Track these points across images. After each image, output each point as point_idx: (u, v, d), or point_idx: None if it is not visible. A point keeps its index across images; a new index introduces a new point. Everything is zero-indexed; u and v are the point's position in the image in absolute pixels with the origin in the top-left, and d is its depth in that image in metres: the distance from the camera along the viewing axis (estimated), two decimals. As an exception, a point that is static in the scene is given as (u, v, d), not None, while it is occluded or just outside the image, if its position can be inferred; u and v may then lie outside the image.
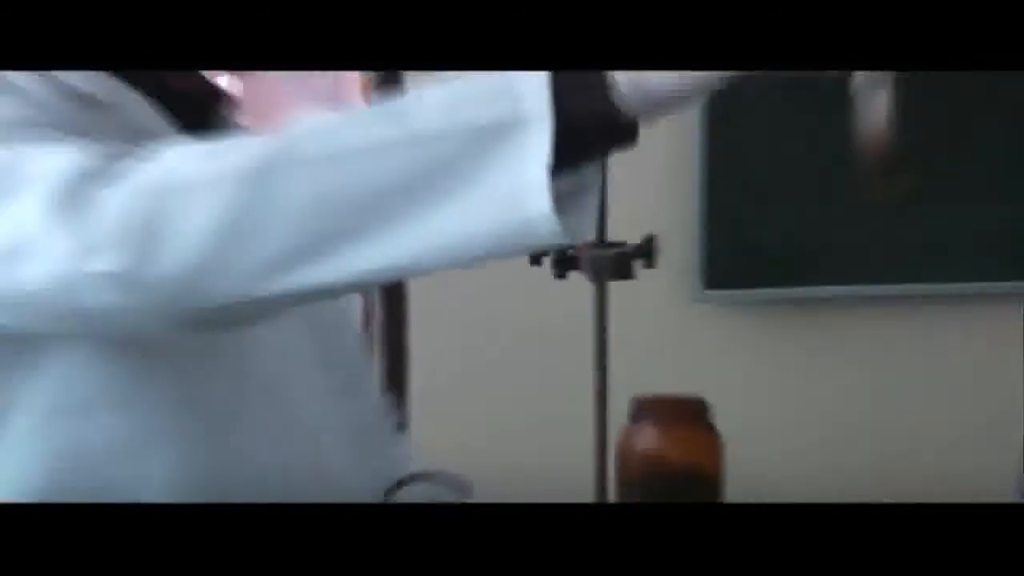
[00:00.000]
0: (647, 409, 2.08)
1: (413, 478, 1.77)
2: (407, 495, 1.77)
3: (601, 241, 2.43)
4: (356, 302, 2.05)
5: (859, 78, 1.36)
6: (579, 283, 2.50)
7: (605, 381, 2.59)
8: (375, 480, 1.75)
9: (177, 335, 1.46)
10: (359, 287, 1.64)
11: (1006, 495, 2.86)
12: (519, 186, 1.20)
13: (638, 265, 2.47)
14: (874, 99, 1.37)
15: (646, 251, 2.46)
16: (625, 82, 1.24)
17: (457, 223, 1.24)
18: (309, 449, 1.66)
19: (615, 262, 2.45)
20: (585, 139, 1.25)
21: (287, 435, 1.64)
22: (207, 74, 1.71)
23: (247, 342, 1.54)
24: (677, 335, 3.62)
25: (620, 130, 1.23)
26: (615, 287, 2.52)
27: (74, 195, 1.30)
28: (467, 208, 1.24)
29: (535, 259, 2.47)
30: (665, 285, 3.39)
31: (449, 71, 1.35)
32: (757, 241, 3.83)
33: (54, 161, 1.32)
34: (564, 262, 2.47)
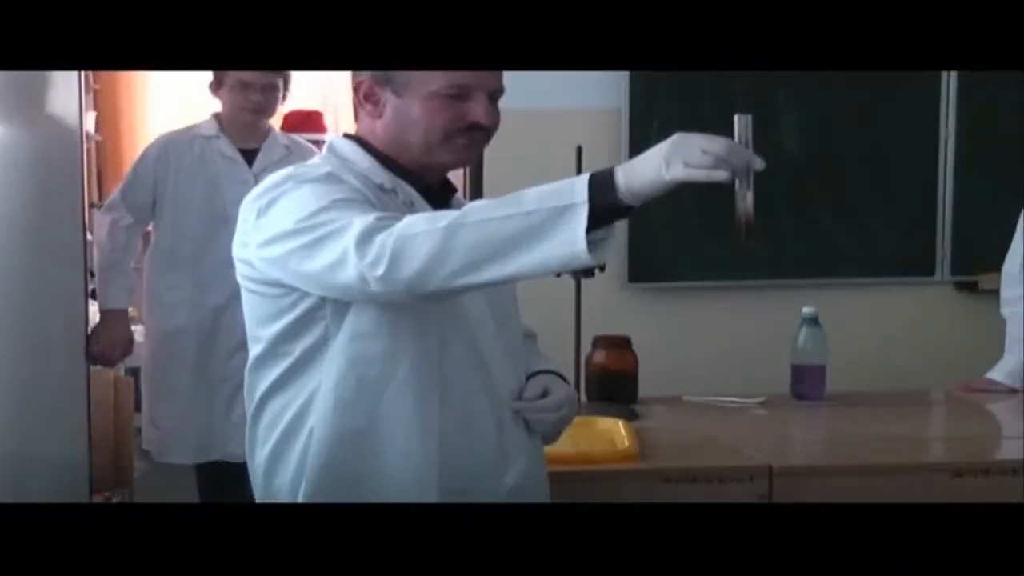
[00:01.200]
0: (600, 341, 3.47)
1: (539, 372, 2.40)
2: (534, 385, 2.35)
3: None
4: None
5: (736, 184, 1.94)
6: (566, 279, 3.42)
7: (579, 328, 3.54)
8: (520, 379, 2.37)
9: (412, 303, 2.10)
10: (497, 285, 2.08)
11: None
12: (573, 239, 1.91)
13: (597, 270, 3.11)
14: (745, 195, 1.97)
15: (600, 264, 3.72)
16: (623, 185, 1.92)
17: (542, 256, 1.93)
18: (485, 361, 2.28)
19: (585, 269, 3.00)
20: (604, 214, 1.93)
21: (475, 354, 2.27)
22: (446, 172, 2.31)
23: (454, 301, 2.19)
24: (613, 306, 4.85)
25: (621, 210, 1.94)
26: (585, 281, 3.52)
27: (368, 237, 1.99)
28: (548, 248, 1.93)
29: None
30: (609, 279, 4.65)
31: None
32: (660, 251, 5.18)
33: (361, 220, 2.01)
34: None
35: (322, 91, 5.96)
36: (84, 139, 3.87)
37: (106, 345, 4.14)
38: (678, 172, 1.91)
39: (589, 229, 1.91)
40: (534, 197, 1.95)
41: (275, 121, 5.55)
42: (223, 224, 3.95)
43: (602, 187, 1.93)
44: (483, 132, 2.26)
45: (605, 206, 1.93)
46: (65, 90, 3.68)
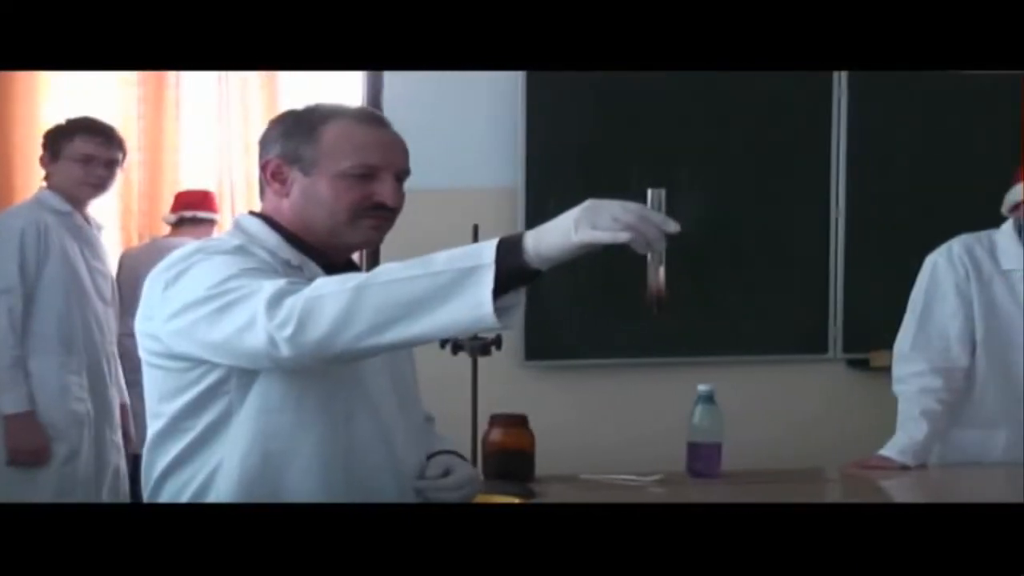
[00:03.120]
0: (497, 420, 3.45)
1: (439, 453, 2.44)
2: (435, 464, 2.38)
3: (475, 336, 3.63)
4: (413, 354, 2.45)
5: (649, 257, 1.96)
6: (463, 358, 3.68)
7: (476, 407, 3.75)
8: (422, 458, 2.40)
9: (319, 368, 2.11)
10: (401, 348, 2.13)
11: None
12: (479, 302, 1.91)
13: (493, 348, 3.72)
14: (657, 269, 1.99)
15: (496, 341, 3.72)
16: (531, 248, 1.92)
17: (449, 318, 1.93)
18: (389, 437, 2.31)
19: (482, 346, 3.73)
20: (512, 278, 1.93)
21: (379, 429, 2.29)
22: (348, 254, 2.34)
23: (357, 376, 2.22)
24: (510, 385, 4.83)
25: (529, 273, 1.94)
26: (482, 360, 3.70)
27: (278, 300, 2.00)
28: (454, 310, 1.93)
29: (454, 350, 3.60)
30: (506, 357, 4.46)
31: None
32: (557, 328, 5.20)
33: (271, 284, 2.03)
34: (456, 347, 3.70)
35: (217, 172, 5.94)
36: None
37: (23, 453, 4.06)
38: (585, 235, 1.91)
39: (497, 294, 1.92)
40: (443, 259, 1.96)
41: (167, 201, 5.58)
42: (89, 298, 4.02)
43: (510, 250, 1.94)
44: (389, 212, 2.28)
45: (512, 269, 1.94)
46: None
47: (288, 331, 1.97)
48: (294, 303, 1.98)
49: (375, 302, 1.96)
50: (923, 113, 5.42)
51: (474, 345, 3.71)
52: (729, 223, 5.31)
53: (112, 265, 4.66)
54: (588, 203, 1.95)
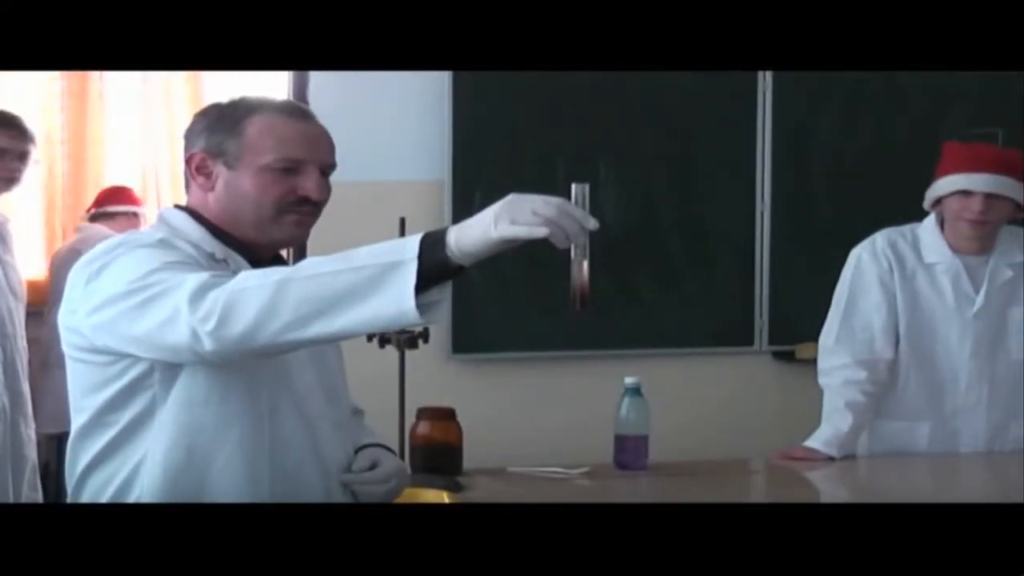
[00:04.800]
0: (424, 413, 3.44)
1: (367, 446, 2.44)
2: (362, 457, 2.37)
3: (402, 330, 3.63)
4: (340, 347, 2.41)
5: (572, 253, 1.96)
6: (391, 352, 3.71)
7: (404, 401, 3.72)
8: (349, 452, 2.39)
9: (243, 361, 2.11)
10: (325, 343, 2.13)
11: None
12: (401, 296, 1.92)
13: (421, 341, 3.76)
14: (580, 265, 1.98)
15: (424, 335, 3.77)
16: (453, 243, 1.92)
17: (372, 312, 1.94)
18: (314, 432, 2.30)
19: (409, 339, 3.75)
20: (435, 273, 1.94)
21: (304, 422, 2.28)
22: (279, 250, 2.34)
23: (283, 369, 2.21)
24: (438, 378, 4.95)
25: (452, 269, 1.94)
26: (410, 353, 3.73)
27: (201, 293, 1.99)
28: (376, 305, 1.93)
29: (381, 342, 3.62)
30: (434, 351, 4.69)
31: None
32: (485, 322, 5.24)
33: (195, 277, 2.02)
34: (383, 340, 3.70)
35: (142, 165, 5.89)
36: None
37: None
38: (504, 230, 1.91)
39: (422, 289, 1.92)
40: (366, 254, 1.96)
41: (92, 194, 5.53)
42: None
43: (433, 245, 1.94)
44: (313, 206, 2.27)
45: (435, 264, 1.94)
46: None
47: (211, 325, 1.97)
48: (217, 296, 1.98)
49: (298, 296, 1.96)
50: (846, 109, 5.49)
51: (401, 338, 3.72)
52: (656, 218, 5.38)
53: (22, 258, 4.65)
54: (509, 198, 1.95)
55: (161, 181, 5.87)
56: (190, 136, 2.34)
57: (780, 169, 5.45)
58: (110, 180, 5.74)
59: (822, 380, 3.71)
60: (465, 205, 4.89)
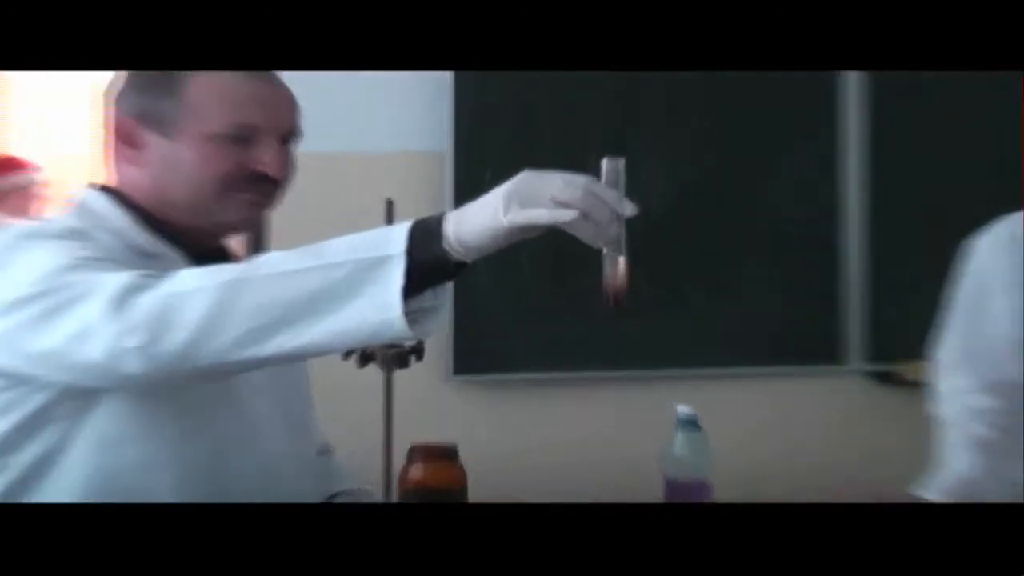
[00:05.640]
0: (417, 452, 3.03)
1: (341, 493, 2.48)
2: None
3: (389, 345, 3.57)
4: (307, 367, 2.47)
5: (605, 249, 1.93)
6: (374, 371, 3.64)
7: (390, 433, 3.71)
8: (318, 497, 2.43)
9: (180, 387, 2.08)
10: (287, 361, 2.08)
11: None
12: (386, 302, 1.87)
13: (413, 359, 3.71)
14: (615, 261, 1.95)
15: (417, 351, 3.72)
16: (451, 234, 1.89)
17: (348, 322, 1.89)
18: (274, 478, 2.29)
19: (398, 357, 3.71)
20: (429, 271, 1.91)
21: (260, 465, 2.28)
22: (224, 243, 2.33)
23: (231, 396, 2.19)
24: (435, 405, 4.93)
25: (450, 266, 1.91)
26: (399, 374, 3.67)
27: (123, 298, 1.93)
28: (354, 313, 1.89)
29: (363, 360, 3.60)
30: (430, 371, 4.60)
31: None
32: (492, 335, 5.23)
33: (113, 278, 1.94)
34: (365, 357, 3.66)
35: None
36: None
37: None
38: (517, 216, 1.87)
39: (411, 292, 1.87)
40: (342, 247, 1.91)
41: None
42: None
43: (426, 236, 1.90)
44: (271, 184, 2.24)
45: (428, 260, 1.89)
46: None
47: (137, 339, 1.91)
48: (146, 303, 1.92)
49: (254, 302, 1.91)
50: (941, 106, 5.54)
51: (388, 355, 3.72)
52: (710, 204, 5.36)
53: None
54: (523, 175, 1.90)
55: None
56: (116, 98, 2.29)
57: (876, 134, 5.52)
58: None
59: (939, 408, 3.54)
60: (469, 184, 4.81)
